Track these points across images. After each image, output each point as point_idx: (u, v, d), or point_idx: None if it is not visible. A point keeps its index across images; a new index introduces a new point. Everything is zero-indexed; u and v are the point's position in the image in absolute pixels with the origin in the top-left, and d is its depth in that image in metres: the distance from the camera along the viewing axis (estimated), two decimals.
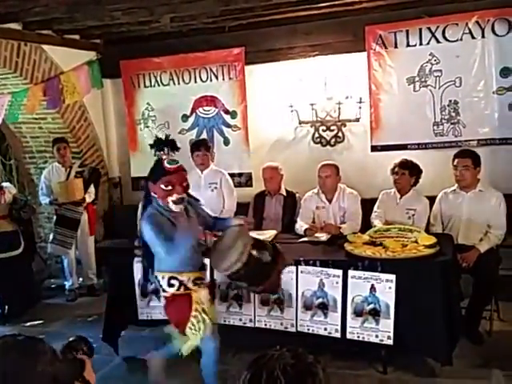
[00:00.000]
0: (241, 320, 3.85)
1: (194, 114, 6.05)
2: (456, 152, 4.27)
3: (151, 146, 3.13)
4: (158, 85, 6.12)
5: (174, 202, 2.92)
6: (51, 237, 5.55)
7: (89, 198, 5.59)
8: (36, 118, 5.77)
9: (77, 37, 5.81)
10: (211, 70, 5.87)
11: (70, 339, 1.60)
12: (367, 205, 4.52)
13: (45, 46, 5.42)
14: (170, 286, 3.03)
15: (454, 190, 4.24)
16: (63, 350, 1.53)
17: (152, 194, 2.99)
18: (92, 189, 5.66)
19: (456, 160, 4.15)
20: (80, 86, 5.76)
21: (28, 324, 4.88)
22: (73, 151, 5.78)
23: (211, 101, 5.96)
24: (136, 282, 4.00)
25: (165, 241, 2.83)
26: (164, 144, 3.04)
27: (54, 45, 5.51)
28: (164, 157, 2.98)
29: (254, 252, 2.80)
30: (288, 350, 1.17)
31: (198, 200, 3.28)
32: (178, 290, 3.02)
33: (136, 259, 4.00)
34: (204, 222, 3.24)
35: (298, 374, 1.09)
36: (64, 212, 5.45)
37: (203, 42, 5.74)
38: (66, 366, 1.38)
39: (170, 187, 2.90)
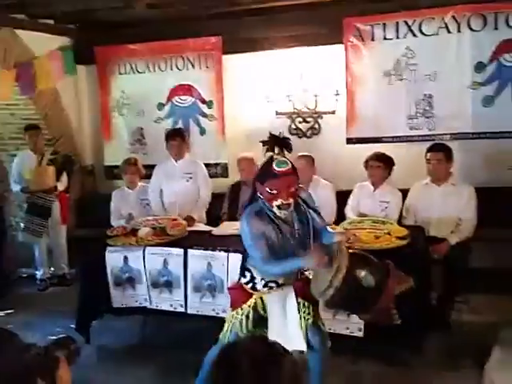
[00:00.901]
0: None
1: (170, 103, 6.00)
2: (429, 146, 4.31)
3: (263, 143, 2.81)
4: (134, 72, 6.05)
5: (279, 207, 2.68)
6: (22, 225, 5.46)
7: (61, 186, 5.50)
8: (8, 104, 5.65)
9: (50, 22, 5.69)
10: (188, 58, 5.82)
11: (61, 336, 1.56)
12: (342, 197, 4.55)
13: (17, 31, 5.29)
14: (243, 275, 2.94)
15: (427, 183, 4.29)
16: (47, 346, 1.49)
17: (258, 194, 2.78)
18: (64, 177, 5.57)
19: (429, 154, 4.20)
20: (53, 72, 5.65)
21: None
22: (45, 138, 5.67)
23: (187, 90, 5.91)
24: (108, 271, 3.96)
25: (253, 239, 2.69)
26: (276, 142, 2.78)
27: (26, 29, 5.38)
28: (275, 157, 2.71)
29: (357, 274, 2.41)
30: (256, 340, 1.17)
31: (316, 210, 2.93)
32: (246, 283, 2.92)
33: (108, 248, 3.97)
34: (309, 233, 2.86)
35: (264, 363, 1.09)
36: (35, 200, 5.35)
37: (180, 29, 5.67)
38: (33, 361, 1.35)
39: (275, 191, 2.65)
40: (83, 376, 3.45)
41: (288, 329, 2.79)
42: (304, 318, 2.83)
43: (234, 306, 2.96)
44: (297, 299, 2.83)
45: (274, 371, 1.07)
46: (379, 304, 2.43)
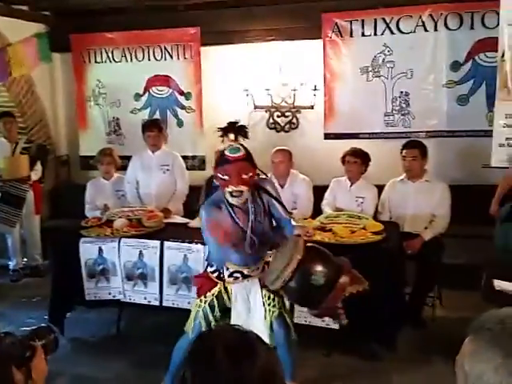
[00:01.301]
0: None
1: (147, 94, 5.95)
2: (404, 142, 4.36)
3: (220, 130, 2.85)
4: (110, 61, 5.98)
5: (231, 194, 2.68)
6: None
7: (35, 176, 5.40)
8: None
9: (25, 8, 5.56)
10: (166, 48, 5.77)
11: (41, 325, 1.54)
12: (318, 191, 4.57)
13: None
14: (209, 264, 2.98)
15: (402, 179, 4.35)
16: (25, 335, 1.47)
17: (215, 181, 2.80)
18: (39, 166, 5.48)
19: (404, 151, 4.25)
20: (28, 59, 5.55)
21: None
22: (19, 126, 5.56)
23: (165, 80, 5.86)
24: (82, 262, 3.92)
25: (208, 228, 2.74)
26: (231, 129, 2.80)
27: (1, 15, 5.25)
28: (229, 143, 2.75)
29: (310, 269, 2.34)
30: (230, 328, 1.18)
31: (278, 200, 2.88)
32: (212, 273, 2.94)
33: (82, 239, 3.93)
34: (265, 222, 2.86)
35: (237, 350, 1.10)
36: (8, 189, 5.24)
37: (158, 19, 5.63)
38: (8, 349, 1.34)
39: (226, 177, 2.66)
40: (57, 368, 3.43)
41: (251, 320, 2.82)
42: (269, 310, 2.86)
43: (199, 294, 2.98)
44: (262, 291, 2.86)
45: (248, 359, 1.08)
46: (325, 303, 2.37)
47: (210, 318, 2.87)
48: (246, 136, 2.83)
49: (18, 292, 5.05)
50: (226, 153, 2.68)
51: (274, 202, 2.85)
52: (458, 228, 4.26)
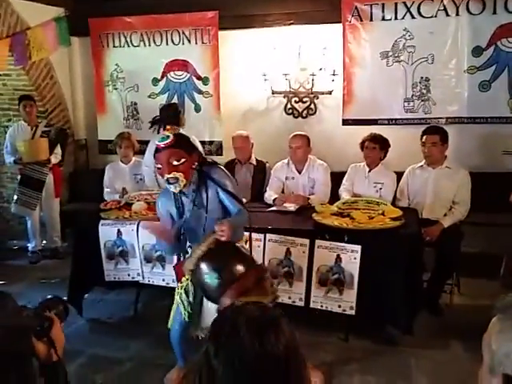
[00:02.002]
0: None
1: (165, 78, 5.94)
2: (424, 128, 4.31)
3: (151, 122, 2.88)
4: (128, 45, 5.96)
5: (168, 182, 2.67)
6: (15, 197, 5.41)
7: (54, 159, 5.45)
8: (0, 75, 5.55)
9: None
10: (184, 33, 5.75)
11: (48, 297, 1.57)
12: (336, 178, 4.56)
13: (11, 0, 5.18)
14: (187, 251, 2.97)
15: (422, 165, 4.30)
16: (37, 307, 1.50)
17: None
18: (58, 150, 5.52)
19: (424, 136, 4.20)
20: (47, 43, 5.56)
21: None
22: (38, 110, 5.60)
23: (183, 65, 5.85)
24: (101, 244, 3.96)
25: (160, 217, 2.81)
26: (158, 119, 2.83)
27: None
28: (162, 132, 2.75)
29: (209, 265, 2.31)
30: (254, 304, 1.18)
31: (223, 188, 2.77)
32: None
33: (101, 222, 3.97)
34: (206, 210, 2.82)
35: (260, 326, 1.10)
36: (29, 172, 5.31)
37: (177, 3, 5.59)
38: (28, 321, 1.36)
39: (159, 165, 2.67)
40: (75, 347, 3.50)
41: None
42: None
43: (178, 280, 3.00)
44: None
45: (272, 335, 1.08)
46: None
47: (185, 303, 2.87)
48: (177, 124, 2.78)
49: (37, 273, 5.13)
50: (157, 142, 2.68)
51: (220, 190, 2.77)
52: (477, 215, 4.23)
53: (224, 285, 2.22)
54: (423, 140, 4.20)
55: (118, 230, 3.94)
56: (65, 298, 3.85)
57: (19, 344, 1.29)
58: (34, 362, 1.44)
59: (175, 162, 2.62)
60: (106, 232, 3.97)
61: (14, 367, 1.28)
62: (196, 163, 2.73)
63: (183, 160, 2.64)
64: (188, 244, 2.90)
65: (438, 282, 3.99)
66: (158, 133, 2.80)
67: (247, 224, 2.88)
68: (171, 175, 2.63)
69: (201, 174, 2.77)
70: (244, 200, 4.29)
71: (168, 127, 2.74)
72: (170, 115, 2.75)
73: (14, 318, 1.29)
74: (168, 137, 2.64)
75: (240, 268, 2.26)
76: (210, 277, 2.25)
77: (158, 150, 2.66)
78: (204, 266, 2.29)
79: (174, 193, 2.76)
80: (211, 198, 2.77)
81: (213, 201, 2.78)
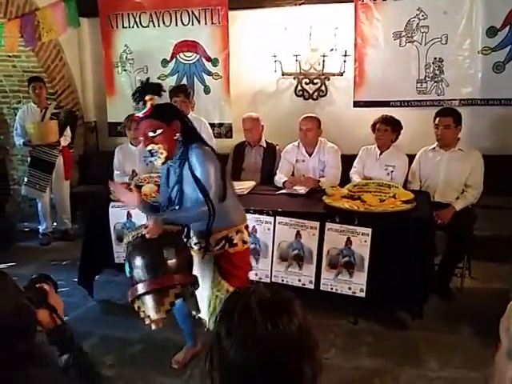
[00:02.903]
0: None
1: (175, 59, 5.89)
2: (438, 110, 4.24)
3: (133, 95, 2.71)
4: (137, 26, 5.91)
5: (150, 154, 2.58)
6: (25, 179, 5.43)
7: (64, 142, 5.45)
8: (9, 56, 5.53)
9: None
10: (193, 13, 5.68)
11: (33, 276, 1.59)
12: (347, 160, 4.51)
13: None
14: None
15: (434, 148, 4.24)
16: (26, 286, 1.52)
17: None
18: (68, 132, 5.52)
19: (437, 118, 4.13)
20: (56, 24, 5.51)
21: (0, 266, 4.83)
22: (48, 92, 5.59)
23: (192, 46, 5.79)
24: (111, 226, 3.97)
25: None
26: (144, 90, 2.62)
27: None
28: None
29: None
30: (265, 285, 1.17)
31: (194, 175, 2.56)
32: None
33: (111, 204, 3.96)
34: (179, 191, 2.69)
35: (273, 306, 1.09)
36: (38, 154, 5.32)
37: None
38: (26, 297, 1.37)
39: (140, 137, 2.61)
40: (86, 328, 3.53)
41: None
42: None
43: None
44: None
45: (285, 317, 1.07)
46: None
47: None
48: (158, 94, 2.63)
49: (48, 255, 5.16)
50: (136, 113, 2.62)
51: (190, 175, 2.58)
52: (489, 199, 4.18)
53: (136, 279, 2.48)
54: (436, 122, 4.13)
55: (128, 213, 3.93)
56: (75, 279, 3.91)
57: (27, 319, 1.31)
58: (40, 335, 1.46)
59: (151, 133, 2.54)
60: (116, 214, 3.97)
61: (24, 340, 1.29)
62: (177, 134, 2.59)
63: (160, 131, 2.54)
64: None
65: (449, 266, 3.96)
66: (137, 103, 2.67)
67: (204, 219, 2.56)
68: (149, 147, 2.55)
69: (184, 150, 2.62)
70: (253, 183, 4.32)
71: (147, 97, 2.58)
72: (152, 86, 2.66)
73: (17, 295, 1.30)
74: (145, 107, 2.55)
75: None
76: (126, 266, 2.52)
77: (137, 121, 2.61)
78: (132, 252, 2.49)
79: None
80: (186, 178, 2.63)
81: (187, 180, 2.62)
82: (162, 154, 2.55)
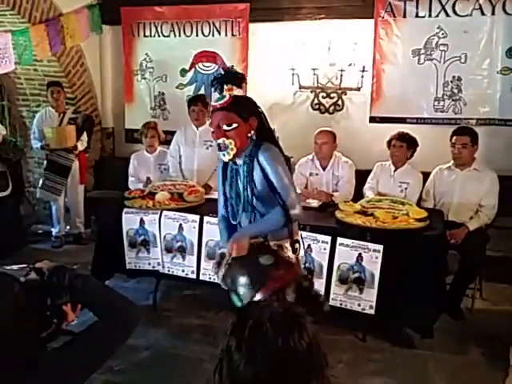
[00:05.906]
0: None
1: (193, 69, 5.94)
2: (455, 129, 4.23)
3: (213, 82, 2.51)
4: (159, 35, 5.97)
5: (219, 148, 2.41)
6: (41, 182, 5.49)
7: (81, 146, 5.51)
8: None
9: None
10: (214, 24, 5.73)
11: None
12: (361, 176, 4.50)
13: None
14: None
15: (449, 166, 4.22)
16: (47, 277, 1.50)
17: None
18: (85, 137, 5.58)
19: (454, 137, 4.11)
20: (80, 30, 5.59)
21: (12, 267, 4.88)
22: (67, 97, 5.66)
23: (212, 57, 5.84)
24: (124, 232, 3.99)
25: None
26: (225, 79, 2.43)
27: None
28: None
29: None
30: (277, 301, 1.17)
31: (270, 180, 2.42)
32: None
33: (125, 210, 3.99)
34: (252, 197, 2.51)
35: (284, 322, 1.09)
36: (55, 158, 5.38)
37: None
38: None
39: (212, 129, 2.45)
40: None
41: None
42: None
43: None
44: None
45: (295, 332, 1.07)
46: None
47: None
48: (239, 86, 2.44)
49: (60, 258, 5.17)
50: (212, 103, 2.46)
51: (261, 175, 2.44)
52: (502, 219, 4.15)
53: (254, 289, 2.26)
54: (453, 141, 4.11)
55: (141, 219, 3.96)
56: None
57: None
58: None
59: (225, 127, 2.38)
60: (130, 220, 4.00)
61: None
62: (252, 131, 2.44)
63: (235, 125, 2.37)
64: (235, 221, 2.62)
65: (460, 286, 3.91)
66: (215, 92, 2.48)
67: (279, 225, 2.45)
68: (220, 140, 2.39)
69: (254, 149, 2.45)
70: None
71: (227, 87, 2.39)
72: (235, 75, 2.55)
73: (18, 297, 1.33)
74: (224, 97, 2.38)
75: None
76: (234, 297, 2.33)
77: (212, 110, 2.46)
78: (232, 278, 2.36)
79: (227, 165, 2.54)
80: (257, 179, 2.45)
81: (259, 182, 2.46)
82: (231, 150, 2.39)
